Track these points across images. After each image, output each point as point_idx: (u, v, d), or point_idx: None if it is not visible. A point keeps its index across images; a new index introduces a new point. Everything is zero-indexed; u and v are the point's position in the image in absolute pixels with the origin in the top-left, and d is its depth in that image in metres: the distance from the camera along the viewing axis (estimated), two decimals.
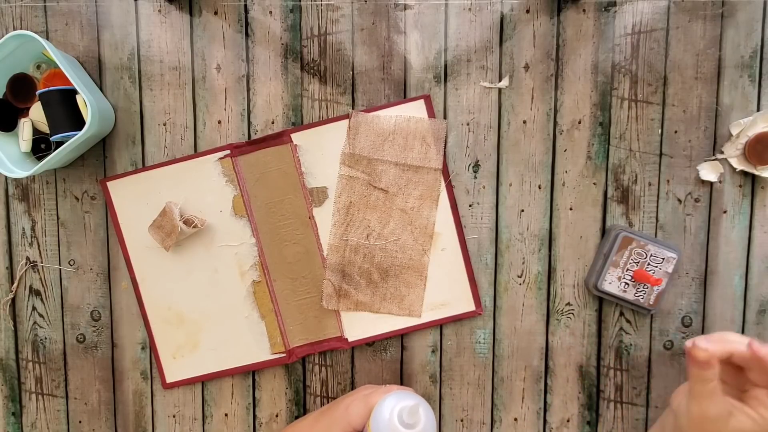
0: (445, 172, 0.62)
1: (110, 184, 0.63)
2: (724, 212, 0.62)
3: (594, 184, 0.62)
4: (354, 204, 0.62)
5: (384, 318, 0.63)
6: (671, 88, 0.61)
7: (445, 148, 0.62)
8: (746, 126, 0.60)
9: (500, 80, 0.61)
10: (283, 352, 0.64)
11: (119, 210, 0.63)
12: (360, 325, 0.63)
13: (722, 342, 0.51)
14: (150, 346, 0.65)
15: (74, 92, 0.58)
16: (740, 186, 0.61)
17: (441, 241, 0.62)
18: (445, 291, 0.63)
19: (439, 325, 0.63)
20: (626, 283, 0.60)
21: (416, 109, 0.61)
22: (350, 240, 0.62)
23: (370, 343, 0.64)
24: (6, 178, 0.64)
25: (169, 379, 0.65)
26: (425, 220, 0.62)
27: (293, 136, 0.61)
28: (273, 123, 0.62)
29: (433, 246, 0.62)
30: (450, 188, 0.62)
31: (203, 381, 0.65)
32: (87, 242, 0.64)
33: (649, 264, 0.60)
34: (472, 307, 0.63)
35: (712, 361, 0.50)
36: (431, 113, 0.61)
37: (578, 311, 0.63)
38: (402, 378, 0.64)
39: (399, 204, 0.62)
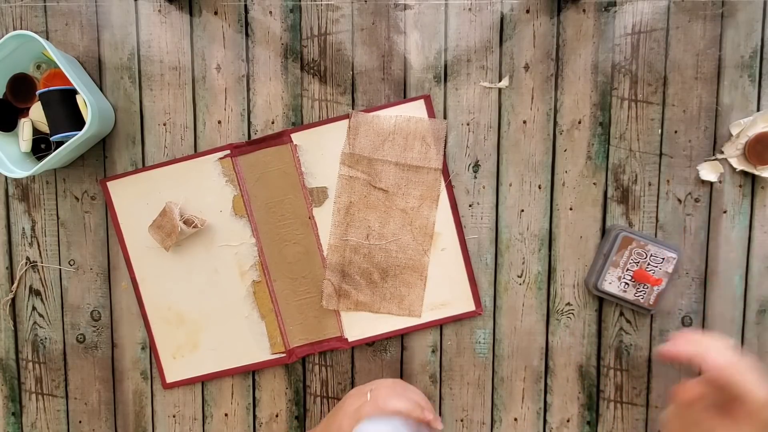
0: (445, 172, 0.62)
1: (110, 184, 0.63)
2: (724, 212, 0.62)
3: (594, 184, 0.62)
4: (354, 204, 0.62)
5: (384, 318, 0.63)
6: (671, 88, 0.61)
7: (445, 148, 0.62)
8: (746, 126, 0.60)
9: (500, 80, 0.61)
10: (283, 352, 0.64)
11: (119, 210, 0.63)
12: (360, 325, 0.63)
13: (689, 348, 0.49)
14: (150, 346, 0.65)
15: (74, 92, 0.58)
16: (740, 186, 0.61)
17: (441, 241, 0.62)
18: (445, 291, 0.63)
19: (439, 325, 0.63)
20: (626, 283, 0.60)
21: (416, 109, 0.61)
22: (350, 240, 0.62)
23: (370, 343, 0.64)
24: (6, 178, 0.64)
25: (169, 379, 0.65)
26: (425, 220, 0.62)
27: (293, 136, 0.61)
28: (273, 123, 0.62)
29: (433, 246, 0.62)
30: (450, 188, 0.62)
31: (203, 381, 0.65)
32: (87, 242, 0.64)
33: (649, 264, 0.60)
34: (472, 307, 0.63)
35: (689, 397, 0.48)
36: (431, 113, 0.61)
37: (578, 311, 0.63)
38: (402, 378, 0.64)
39: (399, 204, 0.62)
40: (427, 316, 0.63)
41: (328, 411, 0.65)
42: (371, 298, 0.63)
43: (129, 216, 0.63)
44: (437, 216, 0.62)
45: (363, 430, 0.51)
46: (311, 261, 0.63)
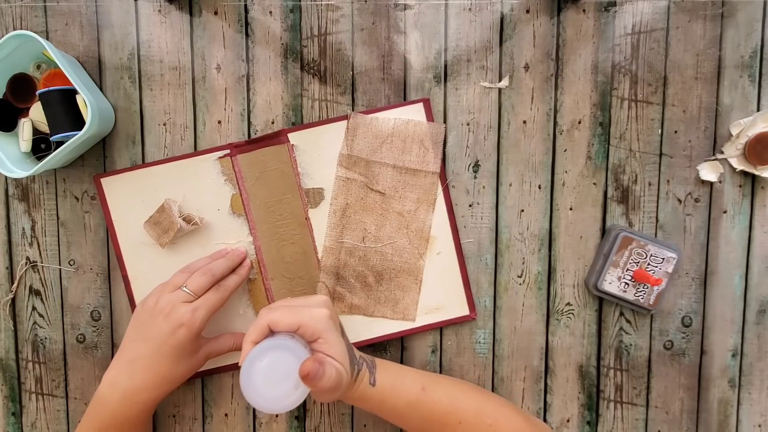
0: (443, 175, 0.62)
1: (104, 181, 0.62)
2: (724, 212, 0.62)
3: (594, 184, 0.62)
4: (350, 206, 0.62)
5: (378, 321, 0.63)
6: (671, 88, 0.61)
7: (443, 152, 0.62)
8: (746, 126, 0.60)
9: (500, 80, 0.61)
10: None
11: (112, 206, 0.62)
12: (354, 329, 0.63)
13: None
14: None
15: (74, 92, 0.58)
16: (740, 186, 0.61)
17: (437, 244, 0.62)
18: (440, 295, 0.63)
19: (435, 328, 0.63)
20: (626, 283, 0.60)
21: (415, 113, 0.61)
22: (346, 242, 0.62)
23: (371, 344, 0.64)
24: (6, 178, 0.64)
25: None
26: (421, 223, 0.62)
27: (290, 135, 0.61)
28: (273, 123, 0.62)
29: (428, 250, 0.62)
30: (447, 192, 0.62)
31: (202, 377, 0.65)
32: (87, 242, 0.64)
33: (649, 264, 0.60)
34: (466, 312, 0.63)
35: None
36: (430, 117, 0.61)
37: (578, 311, 0.63)
38: None
39: (395, 207, 0.62)
40: (422, 320, 0.63)
41: (328, 411, 0.65)
42: (366, 301, 0.63)
43: (123, 212, 0.63)
44: (434, 220, 0.62)
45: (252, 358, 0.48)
46: (308, 262, 0.63)
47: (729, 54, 0.60)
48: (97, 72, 0.62)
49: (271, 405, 0.47)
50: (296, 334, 0.50)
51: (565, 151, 0.62)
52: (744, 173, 0.61)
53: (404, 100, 0.62)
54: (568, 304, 0.63)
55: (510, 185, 0.62)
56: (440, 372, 0.64)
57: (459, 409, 0.54)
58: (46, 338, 0.65)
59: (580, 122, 0.61)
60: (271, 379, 0.47)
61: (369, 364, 0.54)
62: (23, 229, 0.64)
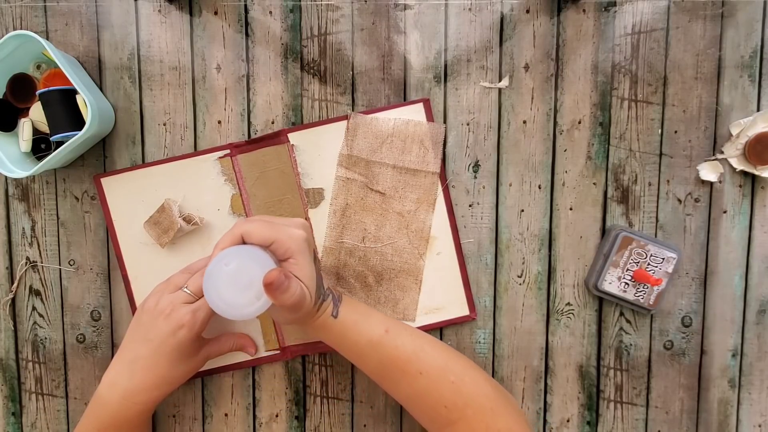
0: (443, 175, 0.62)
1: (104, 181, 0.62)
2: (724, 212, 0.62)
3: (594, 184, 0.62)
4: (350, 206, 0.62)
5: None
6: (671, 88, 0.61)
7: (443, 152, 0.62)
8: (746, 126, 0.60)
9: (500, 80, 0.61)
10: (277, 349, 0.64)
11: (112, 206, 0.63)
12: None
13: None
14: None
15: (74, 92, 0.58)
16: (740, 186, 0.61)
17: (437, 245, 0.62)
18: (440, 295, 0.63)
19: (434, 328, 0.63)
20: (626, 283, 0.60)
21: (415, 113, 0.61)
22: (346, 242, 0.62)
23: None
24: (6, 178, 0.64)
25: None
26: (421, 223, 0.62)
27: (290, 135, 0.61)
28: (273, 123, 0.62)
29: (428, 250, 0.62)
30: (447, 192, 0.62)
31: (202, 377, 0.65)
32: (87, 242, 0.64)
33: (649, 264, 0.60)
34: (466, 312, 0.63)
35: None
36: (430, 117, 0.61)
37: (578, 311, 0.63)
38: None
39: (395, 207, 0.62)
40: (422, 320, 0.63)
41: (328, 411, 0.65)
42: (366, 301, 0.63)
43: (123, 212, 0.63)
44: (434, 220, 0.62)
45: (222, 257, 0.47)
46: None
47: (729, 54, 0.60)
48: (97, 72, 0.62)
49: (230, 310, 0.46)
50: (269, 250, 0.49)
51: (565, 151, 0.62)
52: (744, 173, 0.61)
53: (404, 100, 0.62)
54: (568, 304, 0.63)
55: (510, 185, 0.62)
56: None
57: (422, 359, 0.53)
58: (46, 338, 0.65)
59: (580, 122, 0.61)
60: (235, 284, 0.46)
61: (335, 297, 0.53)
62: (23, 229, 0.64)
